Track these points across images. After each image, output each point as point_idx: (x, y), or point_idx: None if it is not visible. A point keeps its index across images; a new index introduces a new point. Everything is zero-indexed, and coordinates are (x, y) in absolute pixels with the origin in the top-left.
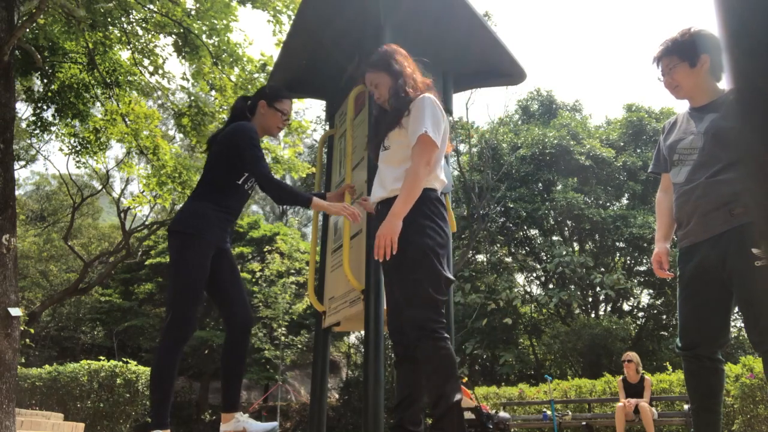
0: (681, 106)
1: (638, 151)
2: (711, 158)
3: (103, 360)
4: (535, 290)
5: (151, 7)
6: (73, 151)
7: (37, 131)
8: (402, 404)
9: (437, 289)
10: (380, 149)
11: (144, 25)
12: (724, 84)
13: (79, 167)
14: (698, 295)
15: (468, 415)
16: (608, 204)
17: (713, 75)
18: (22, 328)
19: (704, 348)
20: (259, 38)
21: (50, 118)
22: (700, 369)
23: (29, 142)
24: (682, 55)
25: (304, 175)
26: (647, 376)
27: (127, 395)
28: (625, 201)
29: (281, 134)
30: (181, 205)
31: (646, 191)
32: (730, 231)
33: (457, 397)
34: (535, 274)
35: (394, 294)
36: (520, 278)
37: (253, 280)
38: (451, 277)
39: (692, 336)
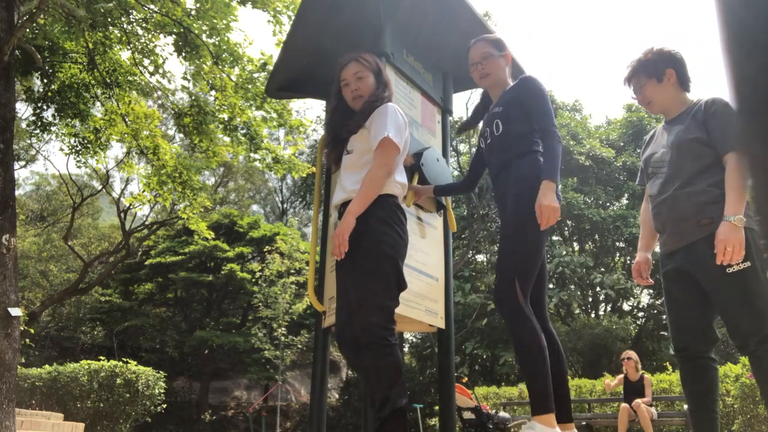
0: None
1: (638, 151)
2: (677, 170)
3: (103, 360)
4: None
5: (151, 6)
6: (73, 151)
7: (37, 131)
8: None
9: (390, 296)
10: (343, 153)
11: (144, 25)
12: (696, 95)
13: (79, 167)
14: (680, 298)
15: (468, 415)
16: (608, 204)
17: (682, 86)
18: (22, 328)
19: (695, 348)
20: (259, 38)
21: (50, 118)
22: (694, 369)
23: (29, 142)
24: (648, 72)
25: (305, 175)
26: (647, 375)
27: (127, 395)
28: (624, 201)
29: (282, 134)
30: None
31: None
32: (700, 240)
33: (402, 402)
34: None
35: (347, 297)
36: None
37: (253, 280)
38: (406, 283)
39: (681, 336)
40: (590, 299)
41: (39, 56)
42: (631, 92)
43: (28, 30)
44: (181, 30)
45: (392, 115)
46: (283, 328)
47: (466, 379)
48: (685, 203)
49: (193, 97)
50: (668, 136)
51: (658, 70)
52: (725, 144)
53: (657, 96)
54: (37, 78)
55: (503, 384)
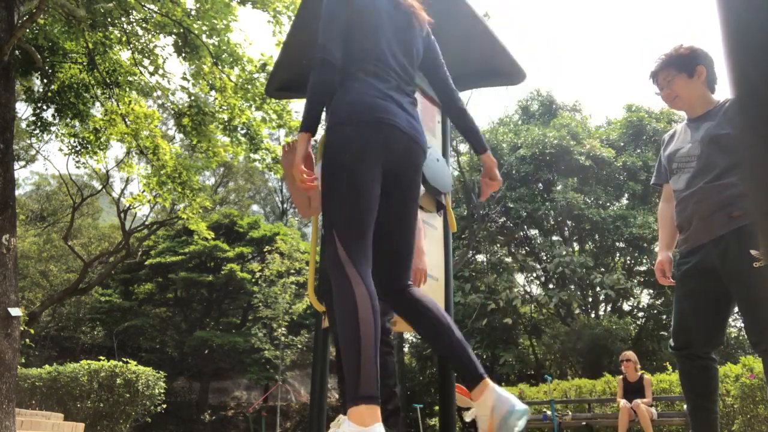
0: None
1: (638, 151)
2: (708, 165)
3: (103, 360)
4: (535, 290)
5: (151, 7)
6: (73, 151)
7: (37, 131)
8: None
9: None
10: None
11: (144, 25)
12: (719, 95)
13: (79, 167)
14: (696, 293)
15: (468, 415)
16: (608, 204)
17: (709, 86)
18: (22, 328)
19: (698, 347)
20: (259, 38)
21: (50, 118)
22: (694, 368)
23: (29, 142)
24: (679, 67)
25: None
26: (646, 376)
27: (127, 395)
28: (625, 201)
29: (282, 134)
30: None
31: (646, 191)
32: (729, 233)
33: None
34: (535, 274)
35: None
36: (520, 278)
37: (253, 280)
38: None
39: (686, 334)
40: (590, 299)
41: (39, 56)
42: (655, 88)
43: (28, 30)
44: (181, 30)
45: None
46: (283, 328)
47: None
48: (716, 196)
49: (192, 98)
50: (694, 133)
51: (689, 66)
52: None
53: (685, 92)
54: (37, 78)
55: (503, 384)
